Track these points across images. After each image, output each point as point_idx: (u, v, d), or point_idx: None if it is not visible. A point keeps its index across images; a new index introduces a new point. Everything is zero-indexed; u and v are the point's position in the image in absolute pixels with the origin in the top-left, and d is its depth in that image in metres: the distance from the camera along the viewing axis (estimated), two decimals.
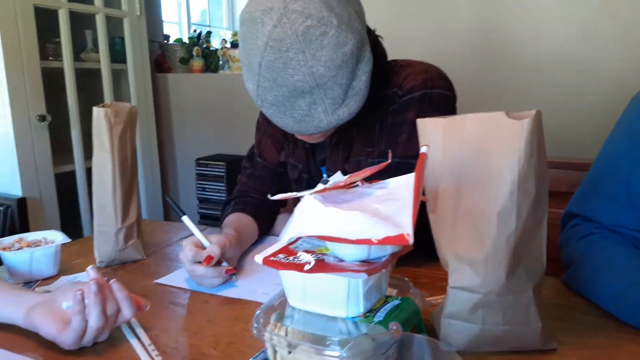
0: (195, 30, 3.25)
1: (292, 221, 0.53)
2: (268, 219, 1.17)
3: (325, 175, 1.08)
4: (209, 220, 2.71)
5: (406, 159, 0.93)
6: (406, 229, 0.44)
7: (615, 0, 1.94)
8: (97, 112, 0.95)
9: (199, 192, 2.72)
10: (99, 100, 2.42)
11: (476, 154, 0.57)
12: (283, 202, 1.26)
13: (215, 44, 3.29)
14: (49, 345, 0.66)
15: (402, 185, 0.53)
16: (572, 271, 0.82)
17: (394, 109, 0.95)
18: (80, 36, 2.40)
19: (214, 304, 0.81)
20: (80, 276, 0.94)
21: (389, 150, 0.74)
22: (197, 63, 2.97)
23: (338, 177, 0.55)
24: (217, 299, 0.82)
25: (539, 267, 0.60)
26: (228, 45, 3.08)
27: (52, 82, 2.18)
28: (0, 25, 1.93)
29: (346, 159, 1.00)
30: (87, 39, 2.44)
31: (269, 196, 0.61)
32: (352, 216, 0.49)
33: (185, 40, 3.16)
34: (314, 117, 0.84)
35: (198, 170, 2.68)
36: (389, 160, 0.59)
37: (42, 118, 2.09)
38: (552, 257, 0.71)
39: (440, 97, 0.94)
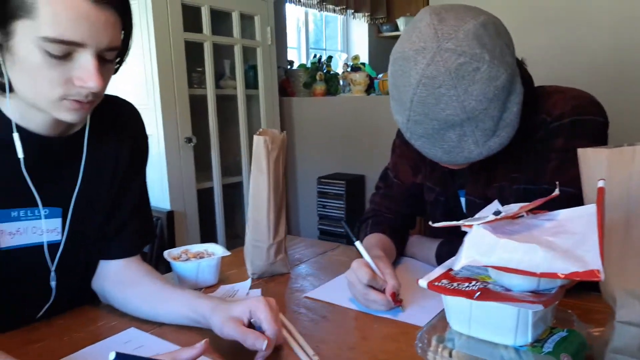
0: (315, 55, 3.42)
1: (464, 249, 0.56)
2: (400, 239, 1.20)
3: (462, 199, 1.09)
4: (328, 236, 2.82)
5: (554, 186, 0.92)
6: (595, 265, 0.45)
7: None
8: (257, 140, 1.06)
9: (319, 209, 2.84)
10: (234, 123, 2.67)
11: None
12: (413, 224, 1.29)
13: (335, 67, 3.43)
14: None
15: (574, 218, 0.54)
16: None
17: (541, 136, 0.95)
18: (220, 65, 2.65)
19: (364, 321, 0.86)
20: (238, 286, 1.04)
21: (557, 182, 0.73)
22: (320, 87, 3.13)
23: (511, 208, 0.57)
24: (366, 317, 0.87)
25: None
26: (348, 69, 3.20)
27: (197, 107, 2.43)
28: (158, 58, 2.20)
29: (488, 184, 1.01)
30: (225, 67, 2.68)
31: (430, 223, 0.65)
32: (528, 248, 0.51)
33: (308, 65, 3.34)
34: (464, 149, 0.86)
35: (319, 188, 2.81)
36: (557, 192, 0.60)
37: (189, 140, 2.34)
38: None
39: (592, 124, 0.92)
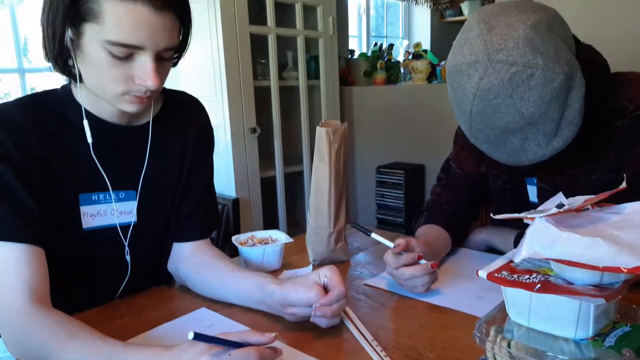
0: (376, 44, 3.41)
1: (525, 242, 0.56)
2: (460, 230, 1.20)
3: (529, 187, 1.07)
4: (387, 225, 2.83)
5: None
6: None
7: None
8: (320, 131, 1.09)
9: (377, 198, 2.85)
10: (295, 114, 2.73)
11: None
12: (475, 215, 1.28)
13: (395, 55, 3.40)
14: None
15: None
16: None
17: (623, 123, 0.92)
18: (283, 57, 2.70)
19: (421, 309, 0.88)
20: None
21: (624, 174, 0.71)
22: (381, 76, 3.11)
23: (575, 201, 0.57)
24: (424, 305, 0.89)
25: None
26: (410, 57, 3.16)
27: (261, 98, 2.50)
28: (225, 51, 2.29)
29: (558, 171, 0.99)
30: (288, 59, 2.74)
31: (491, 215, 0.65)
32: (591, 242, 0.51)
33: (369, 54, 3.33)
34: (528, 151, 0.86)
35: (378, 177, 2.82)
36: (624, 185, 0.58)
37: (254, 130, 2.42)
38: None
39: None
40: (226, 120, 2.34)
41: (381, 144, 2.98)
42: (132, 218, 0.94)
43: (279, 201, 2.64)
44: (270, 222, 2.56)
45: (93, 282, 0.93)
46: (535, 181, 1.05)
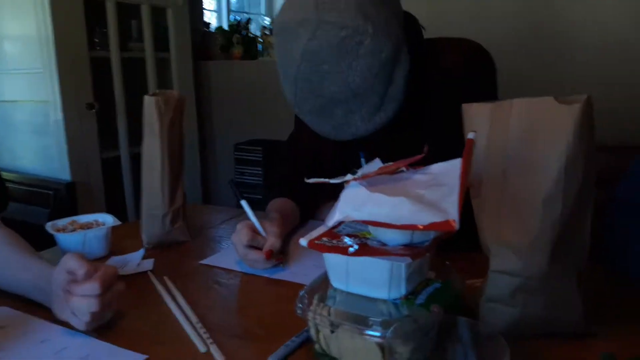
0: (234, 18, 3.29)
1: (338, 205, 0.54)
2: (310, 203, 1.18)
3: (363, 160, 1.08)
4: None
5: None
6: (452, 215, 0.44)
7: None
8: (148, 100, 0.98)
9: (237, 176, 2.78)
10: (143, 88, 2.51)
11: (523, 139, 0.56)
12: (325, 187, 1.27)
13: (254, 30, 3.32)
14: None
15: (447, 171, 0.54)
16: (617, 252, 0.81)
17: (441, 93, 0.94)
18: (127, 26, 2.47)
19: (257, 284, 0.84)
20: (129, 257, 0.98)
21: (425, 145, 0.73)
22: (237, 50, 3.01)
23: (373, 166, 0.56)
24: (261, 280, 0.85)
25: (583, 254, 0.60)
26: (267, 32, 3.10)
27: (100, 71, 2.26)
28: (54, 18, 2.01)
29: (388, 142, 1.01)
30: (132, 28, 2.51)
31: (305, 179, 0.63)
32: (397, 201, 0.50)
33: (226, 27, 3.20)
34: (351, 125, 0.85)
35: (237, 155, 2.74)
36: (423, 154, 0.58)
37: (91, 106, 2.17)
38: (595, 242, 0.70)
39: (485, 73, 0.94)
40: (56, 95, 2.06)
41: (240, 121, 2.90)
42: None
43: (126, 183, 2.43)
44: (115, 207, 2.34)
45: None
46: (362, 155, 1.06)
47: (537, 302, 0.59)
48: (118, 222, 1.01)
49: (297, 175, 1.17)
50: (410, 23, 0.93)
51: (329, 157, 1.13)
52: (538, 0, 2.09)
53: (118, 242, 1.05)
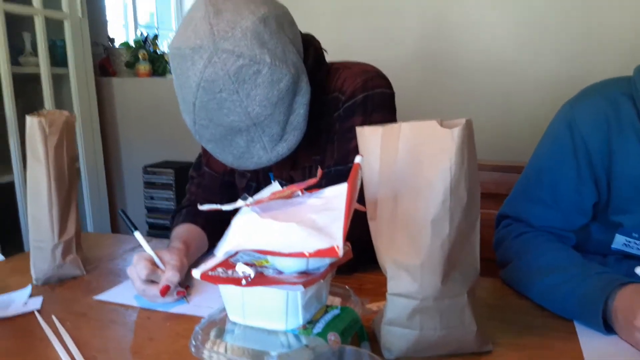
0: (142, 33, 3.16)
1: (229, 233, 0.52)
2: (219, 229, 1.14)
3: (273, 182, 1.07)
4: (158, 230, 2.64)
5: None
6: (337, 240, 0.44)
7: (548, 13, 2.04)
8: (31, 122, 0.91)
9: (147, 200, 2.64)
10: (39, 107, 2.33)
11: (410, 162, 0.58)
12: (234, 212, 1.24)
13: (163, 47, 3.21)
14: None
15: (338, 195, 0.54)
16: (509, 269, 0.85)
17: (339, 115, 0.95)
18: (18, 39, 2.29)
19: (156, 320, 0.79)
20: (14, 295, 0.89)
21: (319, 167, 0.74)
22: (144, 67, 2.89)
23: (267, 191, 0.55)
24: (160, 315, 0.80)
25: (473, 271, 0.62)
26: None
27: None
28: None
29: (293, 166, 1.00)
30: (25, 41, 2.32)
31: (198, 206, 0.60)
32: (287, 227, 0.49)
33: (131, 43, 3.07)
34: (253, 154, 0.84)
35: (146, 178, 2.61)
36: (318, 177, 0.58)
37: None
38: (487, 257, 0.74)
39: (382, 97, 0.95)
40: None
41: (149, 141, 2.78)
42: None
43: (20, 211, 2.23)
44: (9, 237, 2.13)
45: None
46: (272, 177, 1.05)
47: (433, 323, 0.60)
48: (1, 258, 0.92)
49: (204, 199, 1.13)
50: (310, 47, 0.93)
51: (240, 177, 1.10)
52: (433, 28, 2.21)
53: (5, 278, 0.95)
